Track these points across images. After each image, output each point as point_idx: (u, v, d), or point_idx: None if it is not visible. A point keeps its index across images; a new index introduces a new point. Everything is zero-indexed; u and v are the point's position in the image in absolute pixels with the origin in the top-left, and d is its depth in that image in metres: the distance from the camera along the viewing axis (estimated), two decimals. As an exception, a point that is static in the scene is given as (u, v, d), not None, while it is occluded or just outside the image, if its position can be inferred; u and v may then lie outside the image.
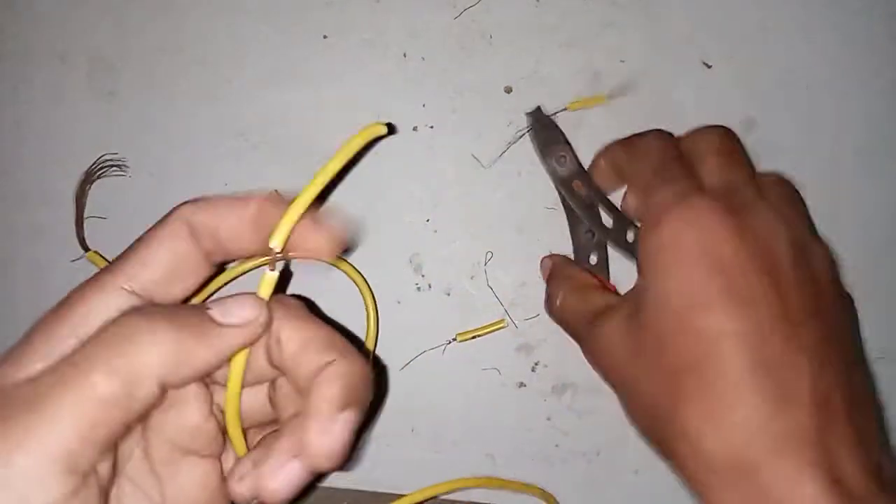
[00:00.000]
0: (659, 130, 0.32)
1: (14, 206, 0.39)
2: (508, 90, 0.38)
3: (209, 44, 0.38)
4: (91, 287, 0.24)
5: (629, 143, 0.33)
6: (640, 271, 0.29)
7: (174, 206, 0.26)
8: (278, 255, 0.24)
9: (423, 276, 0.38)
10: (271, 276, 0.25)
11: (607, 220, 0.34)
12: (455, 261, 0.38)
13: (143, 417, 0.23)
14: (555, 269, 0.36)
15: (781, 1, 0.38)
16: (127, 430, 0.22)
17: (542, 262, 0.37)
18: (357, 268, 0.37)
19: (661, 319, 0.27)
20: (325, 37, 0.38)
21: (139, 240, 0.26)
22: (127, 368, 0.21)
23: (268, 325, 0.24)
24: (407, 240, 0.38)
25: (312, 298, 0.37)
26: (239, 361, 0.24)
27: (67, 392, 0.21)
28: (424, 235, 0.38)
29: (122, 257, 0.25)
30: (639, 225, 0.31)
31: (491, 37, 0.38)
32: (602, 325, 0.30)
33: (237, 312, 0.24)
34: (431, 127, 0.38)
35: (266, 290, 0.24)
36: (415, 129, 0.38)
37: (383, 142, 0.38)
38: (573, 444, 0.37)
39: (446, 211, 0.38)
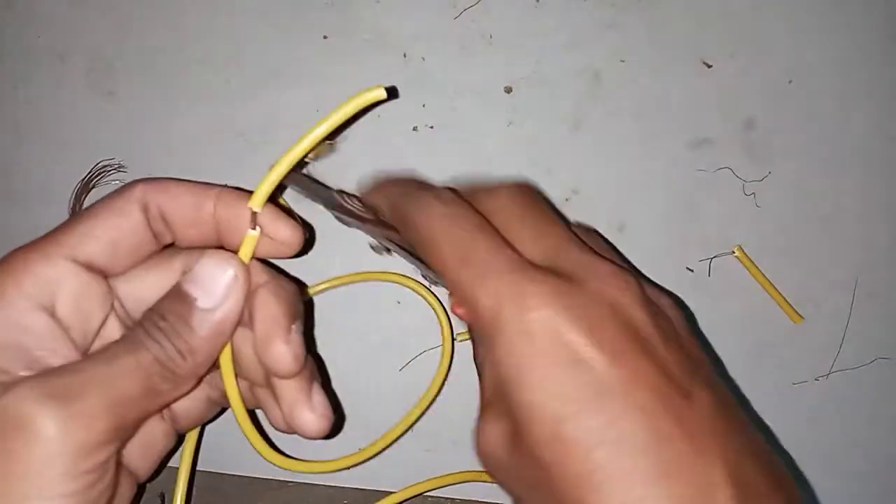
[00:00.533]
0: (450, 189, 0.26)
1: (14, 206, 0.38)
2: (508, 90, 0.38)
3: (209, 44, 0.38)
4: (35, 253, 0.24)
5: (416, 200, 0.26)
6: (489, 376, 0.24)
7: (131, 181, 0.26)
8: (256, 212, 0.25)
9: (423, 275, 0.38)
10: (252, 236, 0.25)
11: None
12: (455, 261, 0.38)
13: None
14: None
15: (781, 1, 0.38)
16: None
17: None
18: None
19: (537, 441, 0.21)
20: (325, 37, 0.38)
21: (88, 210, 0.26)
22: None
23: (246, 292, 0.25)
24: (407, 240, 0.38)
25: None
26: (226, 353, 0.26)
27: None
28: (424, 235, 0.38)
29: (68, 226, 0.25)
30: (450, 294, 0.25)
31: (491, 37, 0.38)
32: (490, 428, 0.24)
33: (214, 288, 0.24)
34: (431, 127, 0.38)
35: (247, 250, 0.25)
36: (415, 129, 0.38)
37: (383, 142, 0.38)
38: (573, 443, 0.37)
39: (446, 211, 0.38)
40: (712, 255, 0.37)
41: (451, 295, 0.24)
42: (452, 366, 0.37)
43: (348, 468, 0.35)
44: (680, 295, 0.37)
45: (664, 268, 0.37)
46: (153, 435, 0.28)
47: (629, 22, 0.38)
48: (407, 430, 0.36)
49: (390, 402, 0.37)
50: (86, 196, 0.38)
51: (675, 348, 0.22)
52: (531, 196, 0.26)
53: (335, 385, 0.37)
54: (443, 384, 0.37)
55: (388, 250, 0.32)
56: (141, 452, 0.27)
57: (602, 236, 0.27)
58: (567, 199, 0.38)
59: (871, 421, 0.38)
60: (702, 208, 0.38)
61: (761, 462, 0.22)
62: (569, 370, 0.21)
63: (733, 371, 0.37)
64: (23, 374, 0.23)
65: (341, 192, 0.32)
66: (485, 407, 0.24)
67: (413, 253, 0.27)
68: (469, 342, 0.37)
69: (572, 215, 0.38)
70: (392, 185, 0.28)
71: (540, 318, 0.21)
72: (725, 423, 0.21)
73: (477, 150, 0.38)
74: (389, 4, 0.38)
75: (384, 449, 0.35)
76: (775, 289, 0.37)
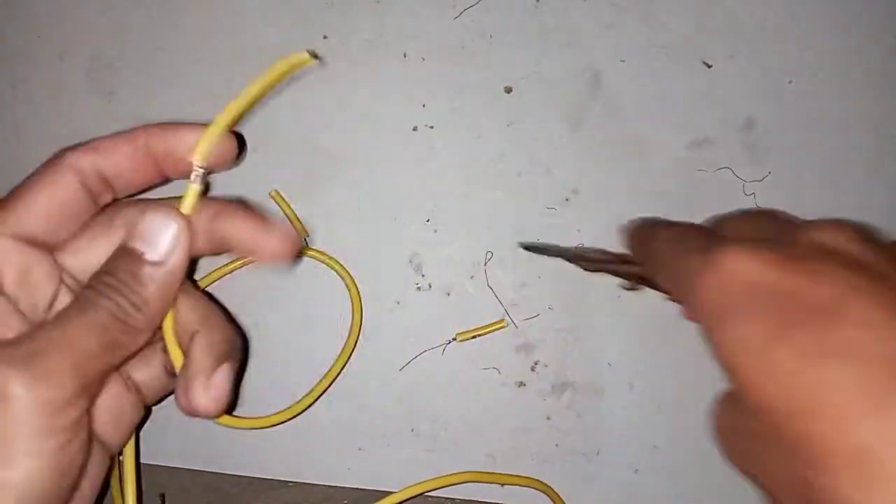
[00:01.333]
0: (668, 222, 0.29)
1: (14, 206, 0.38)
2: (508, 90, 0.38)
3: (209, 44, 0.38)
4: None
5: (650, 231, 0.29)
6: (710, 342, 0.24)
7: (58, 151, 0.27)
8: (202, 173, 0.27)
9: (423, 276, 0.38)
10: (195, 189, 0.27)
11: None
12: (455, 261, 0.38)
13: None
14: None
15: (781, 1, 0.38)
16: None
17: None
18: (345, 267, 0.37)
19: (762, 396, 0.21)
20: (325, 37, 0.38)
21: (22, 186, 0.26)
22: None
23: (190, 243, 0.26)
24: (407, 240, 0.38)
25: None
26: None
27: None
28: (424, 235, 0.38)
29: (4, 203, 0.26)
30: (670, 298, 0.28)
31: (491, 37, 0.38)
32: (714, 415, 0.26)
33: (160, 242, 0.26)
34: (431, 127, 0.38)
35: (190, 202, 0.27)
36: (415, 129, 0.38)
37: (383, 142, 0.38)
38: (573, 443, 0.37)
39: (446, 211, 0.38)
40: (712, 255, 0.37)
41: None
42: (445, 363, 0.37)
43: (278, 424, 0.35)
44: (680, 295, 0.37)
45: (664, 268, 0.37)
46: (121, 406, 0.29)
47: (629, 22, 0.38)
48: (327, 388, 0.36)
49: (390, 402, 0.37)
50: None
51: (885, 254, 0.22)
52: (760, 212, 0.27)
53: (336, 384, 0.37)
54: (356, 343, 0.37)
55: (638, 286, 0.36)
56: (111, 423, 0.28)
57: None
58: (567, 199, 0.38)
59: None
60: (702, 208, 0.37)
61: None
62: (770, 302, 0.21)
63: (733, 371, 0.37)
64: None
65: (579, 248, 0.37)
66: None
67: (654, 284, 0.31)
68: (468, 342, 0.37)
69: (572, 215, 0.38)
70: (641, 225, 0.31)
71: (741, 275, 0.22)
72: None
73: (477, 150, 0.38)
74: (389, 4, 0.38)
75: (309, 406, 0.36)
76: (775, 289, 0.37)
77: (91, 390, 0.25)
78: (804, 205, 0.38)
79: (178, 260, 0.26)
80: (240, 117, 0.27)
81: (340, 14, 0.38)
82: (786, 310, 0.20)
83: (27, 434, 0.22)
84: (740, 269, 0.22)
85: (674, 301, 0.29)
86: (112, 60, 0.38)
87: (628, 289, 0.36)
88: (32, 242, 0.26)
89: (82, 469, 0.25)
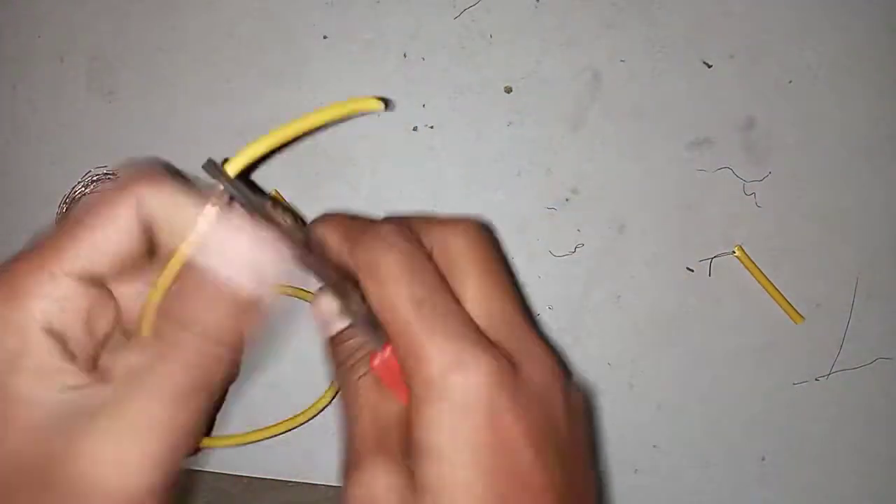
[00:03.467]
0: (397, 224, 0.25)
1: (14, 206, 0.38)
2: (508, 90, 0.38)
3: (209, 44, 0.38)
4: (39, 271, 0.22)
5: (373, 232, 0.25)
6: (415, 434, 0.22)
7: (127, 176, 0.23)
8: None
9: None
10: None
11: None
12: (455, 261, 0.38)
13: None
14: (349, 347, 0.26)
15: (781, 1, 0.38)
16: None
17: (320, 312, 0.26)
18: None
19: None
20: (325, 37, 0.38)
21: (87, 218, 0.23)
22: None
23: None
24: (407, 240, 0.38)
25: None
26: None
27: None
28: (424, 235, 0.38)
29: (68, 236, 0.22)
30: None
31: (491, 37, 0.38)
32: (381, 477, 0.23)
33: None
34: (431, 127, 0.38)
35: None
36: (415, 129, 0.38)
37: (383, 142, 0.38)
38: (573, 443, 0.37)
39: (446, 211, 0.38)
40: (712, 255, 0.37)
41: (374, 342, 0.24)
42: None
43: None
44: (680, 295, 0.37)
45: (664, 268, 0.37)
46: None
47: (629, 22, 0.38)
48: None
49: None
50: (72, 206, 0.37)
51: (577, 451, 0.24)
52: (486, 243, 0.25)
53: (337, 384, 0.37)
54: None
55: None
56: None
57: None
58: (567, 200, 0.38)
59: (871, 421, 0.38)
60: (702, 208, 0.38)
61: None
62: (498, 457, 0.21)
63: (733, 371, 0.37)
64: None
65: (275, 201, 0.29)
66: (373, 451, 0.23)
67: (342, 288, 0.25)
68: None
69: (572, 215, 0.38)
70: (343, 217, 0.27)
71: (484, 398, 0.22)
72: None
73: (477, 150, 0.38)
74: (389, 4, 0.38)
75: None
76: (775, 289, 0.37)
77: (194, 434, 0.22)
78: (804, 205, 0.38)
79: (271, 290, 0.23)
80: (289, 142, 0.24)
81: (340, 14, 0.38)
82: (507, 475, 0.22)
83: None
84: (490, 398, 0.22)
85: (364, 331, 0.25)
86: (112, 60, 0.38)
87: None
88: (94, 282, 0.23)
89: None
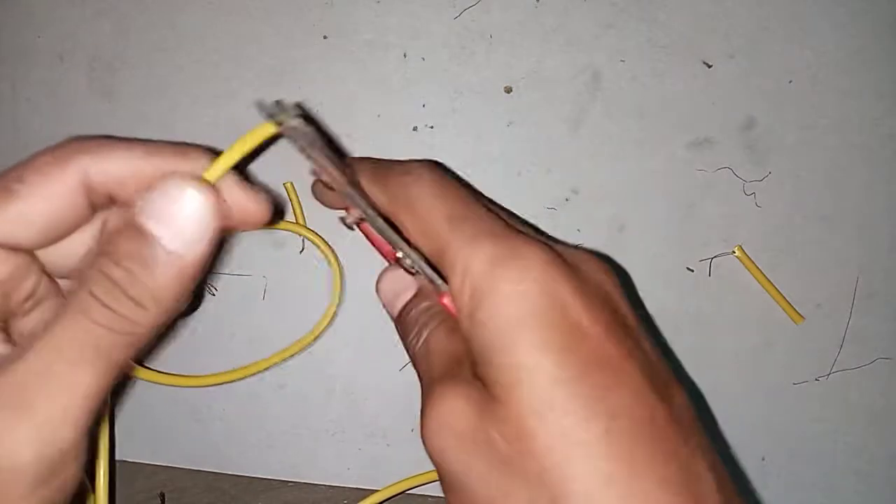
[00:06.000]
0: (420, 162, 0.26)
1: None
2: (508, 90, 0.38)
3: (209, 44, 0.38)
4: None
5: (400, 165, 0.25)
6: (477, 343, 0.22)
7: (62, 142, 0.22)
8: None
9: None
10: (231, 156, 0.21)
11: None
12: (455, 261, 0.38)
13: None
14: (421, 293, 0.26)
15: (781, 1, 0.38)
16: None
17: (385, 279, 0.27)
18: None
19: (522, 408, 0.20)
20: (325, 37, 0.38)
21: (18, 186, 0.22)
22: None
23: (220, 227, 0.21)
24: (407, 240, 0.38)
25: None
26: None
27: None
28: (424, 235, 0.38)
29: None
30: (436, 268, 0.24)
31: (491, 37, 0.38)
32: (456, 392, 0.22)
33: (184, 226, 0.21)
34: (431, 127, 0.38)
35: (221, 168, 0.22)
36: (415, 129, 0.38)
37: (383, 142, 0.38)
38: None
39: (446, 211, 0.38)
40: (712, 255, 0.37)
41: (429, 279, 0.24)
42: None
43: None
44: (680, 295, 0.37)
45: (664, 268, 0.37)
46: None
47: (629, 22, 0.38)
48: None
49: (390, 402, 0.37)
50: None
51: (651, 343, 0.23)
52: (439, 182, 0.24)
53: (336, 384, 0.37)
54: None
55: (357, 225, 0.29)
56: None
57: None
58: (567, 199, 0.38)
59: (871, 421, 0.38)
60: (702, 208, 0.38)
61: (719, 458, 0.22)
62: (567, 335, 0.20)
63: (733, 371, 0.37)
64: None
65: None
66: (442, 378, 0.22)
67: (387, 225, 0.24)
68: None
69: (572, 215, 0.38)
70: (367, 160, 0.28)
71: (541, 280, 0.21)
72: (695, 419, 0.22)
73: (477, 150, 0.38)
74: (389, 4, 0.38)
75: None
76: (775, 289, 0.37)
77: (91, 423, 0.20)
78: (804, 205, 0.38)
79: (203, 250, 0.21)
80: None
81: (340, 14, 0.38)
82: (579, 351, 0.20)
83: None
84: (547, 279, 0.21)
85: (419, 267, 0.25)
86: (112, 60, 0.38)
87: (349, 227, 0.28)
88: (16, 248, 0.22)
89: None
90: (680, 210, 0.38)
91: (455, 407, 0.21)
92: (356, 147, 0.38)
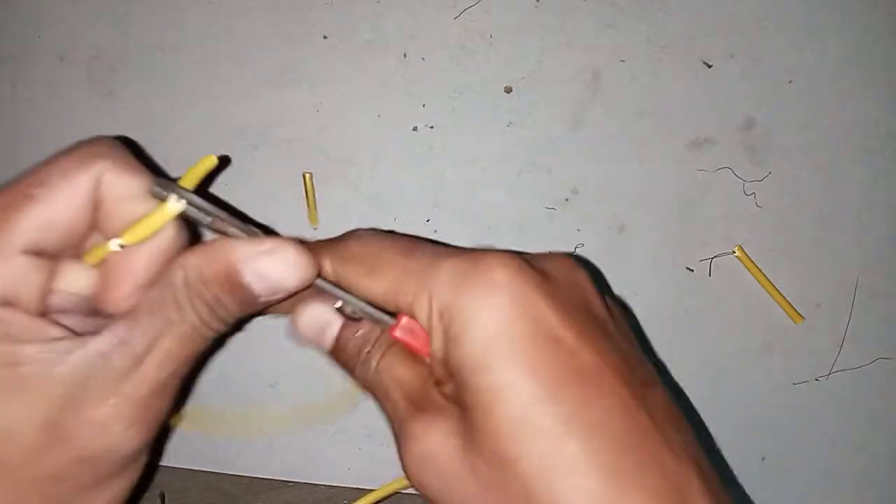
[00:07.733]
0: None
1: (14, 206, 0.38)
2: (508, 90, 0.38)
3: (209, 44, 0.38)
4: None
5: (331, 245, 0.25)
6: (454, 363, 0.21)
7: (81, 144, 0.22)
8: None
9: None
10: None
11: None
12: (455, 261, 0.38)
13: None
14: (348, 325, 0.25)
15: (781, 1, 0.38)
16: None
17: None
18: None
19: (501, 432, 0.20)
20: (325, 37, 0.38)
21: (42, 188, 0.21)
22: None
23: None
24: (407, 240, 0.38)
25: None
26: None
27: None
28: (425, 235, 0.38)
29: (19, 210, 0.21)
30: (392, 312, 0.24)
31: (491, 37, 0.38)
32: (430, 427, 0.21)
33: (282, 287, 0.23)
34: (431, 127, 0.38)
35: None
36: (415, 129, 0.38)
37: (383, 142, 0.38)
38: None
39: (446, 211, 0.38)
40: (712, 255, 0.37)
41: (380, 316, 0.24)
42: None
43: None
44: (680, 295, 0.37)
45: (664, 268, 0.37)
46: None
47: (629, 22, 0.38)
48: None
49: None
50: None
51: (629, 341, 0.22)
52: (381, 234, 0.25)
53: (336, 383, 0.37)
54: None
55: None
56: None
57: None
58: (567, 199, 0.38)
59: (871, 421, 0.38)
60: (702, 208, 0.38)
61: (704, 454, 0.22)
62: (542, 346, 0.20)
63: (733, 371, 0.37)
64: None
65: (235, 212, 0.29)
66: (413, 414, 0.22)
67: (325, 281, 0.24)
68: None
69: (572, 215, 0.38)
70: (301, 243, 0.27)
71: (510, 289, 0.20)
72: (679, 416, 0.22)
73: (477, 150, 0.38)
74: (389, 4, 0.38)
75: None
76: (775, 289, 0.37)
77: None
78: (804, 205, 0.38)
79: (278, 300, 0.23)
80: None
81: (340, 14, 0.38)
82: (556, 363, 0.20)
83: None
84: (517, 288, 0.21)
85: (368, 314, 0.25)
86: (112, 60, 0.38)
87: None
88: (41, 254, 0.22)
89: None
90: (680, 210, 0.38)
91: (433, 443, 0.21)
92: (356, 147, 0.38)
